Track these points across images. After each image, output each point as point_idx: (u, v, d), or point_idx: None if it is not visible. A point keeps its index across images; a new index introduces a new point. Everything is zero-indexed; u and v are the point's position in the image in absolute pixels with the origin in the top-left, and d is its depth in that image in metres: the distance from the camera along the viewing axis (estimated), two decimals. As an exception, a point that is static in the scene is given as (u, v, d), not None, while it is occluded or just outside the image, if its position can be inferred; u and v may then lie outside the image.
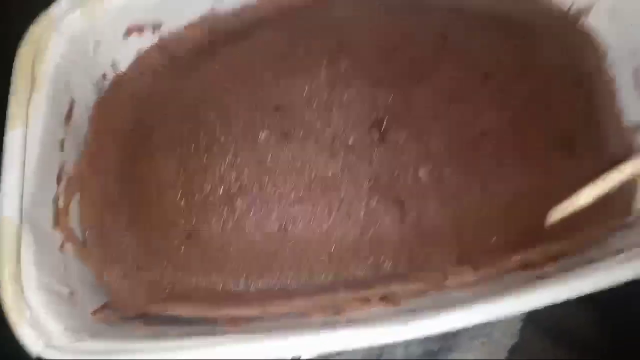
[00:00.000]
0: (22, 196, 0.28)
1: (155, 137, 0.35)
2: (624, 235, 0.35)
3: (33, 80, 0.31)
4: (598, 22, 0.39)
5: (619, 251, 0.32)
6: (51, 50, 0.31)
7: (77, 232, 0.33)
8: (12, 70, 0.30)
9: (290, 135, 0.33)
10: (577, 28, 0.39)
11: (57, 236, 0.31)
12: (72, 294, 0.30)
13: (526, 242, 0.35)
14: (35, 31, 0.31)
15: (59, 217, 0.31)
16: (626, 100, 0.38)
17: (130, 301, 0.33)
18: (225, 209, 0.33)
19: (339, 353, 0.28)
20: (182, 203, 0.33)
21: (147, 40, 0.36)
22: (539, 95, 0.36)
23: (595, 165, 0.36)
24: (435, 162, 0.34)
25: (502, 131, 0.35)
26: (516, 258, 0.34)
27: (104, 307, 0.31)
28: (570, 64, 0.39)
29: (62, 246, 0.31)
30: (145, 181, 0.34)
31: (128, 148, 0.35)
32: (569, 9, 0.39)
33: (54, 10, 0.32)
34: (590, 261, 0.32)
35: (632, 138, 0.37)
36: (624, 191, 0.37)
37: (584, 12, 0.39)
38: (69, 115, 0.33)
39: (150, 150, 0.34)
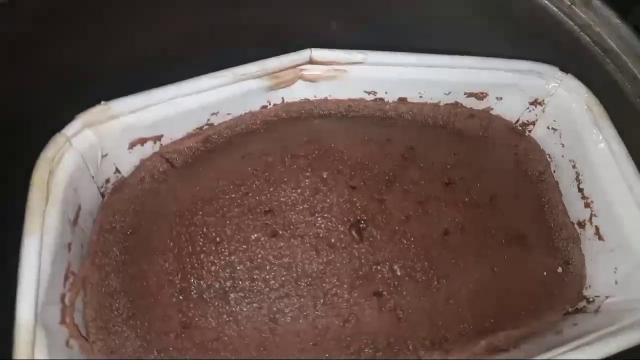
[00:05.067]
0: (36, 300, 0.31)
1: (154, 238, 0.38)
2: (576, 321, 0.40)
3: (47, 193, 0.34)
4: (542, 135, 0.45)
5: (572, 337, 0.36)
6: (64, 165, 0.35)
7: (81, 327, 0.35)
8: (29, 186, 0.33)
9: (278, 235, 0.37)
10: (524, 138, 0.46)
11: (64, 332, 0.33)
12: (78, 388, 0.32)
13: (491, 328, 0.39)
14: (50, 152, 0.35)
15: (65, 314, 0.34)
16: (570, 200, 0.44)
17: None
18: (220, 303, 0.36)
19: None
20: (180, 298, 0.36)
21: (148, 149, 0.41)
22: (493, 197, 0.41)
23: (545, 256, 0.42)
24: (407, 258, 0.38)
25: (462, 230, 0.39)
26: (482, 343, 0.38)
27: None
28: (519, 169, 0.45)
29: (67, 342, 0.33)
30: (145, 278, 0.37)
31: (129, 248, 0.38)
32: (517, 122, 0.46)
33: (68, 130, 0.36)
34: (548, 346, 0.36)
35: (576, 232, 0.43)
36: (575, 280, 0.42)
37: (529, 125, 0.46)
38: (75, 220, 0.36)
39: (150, 250, 0.38)
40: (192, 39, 0.49)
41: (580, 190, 0.42)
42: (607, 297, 0.40)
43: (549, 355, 0.34)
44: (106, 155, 0.38)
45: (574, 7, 0.42)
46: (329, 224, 0.38)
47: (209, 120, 0.41)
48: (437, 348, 0.38)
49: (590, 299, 0.41)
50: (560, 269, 0.42)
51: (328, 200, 0.38)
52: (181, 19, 0.49)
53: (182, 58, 0.44)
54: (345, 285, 0.37)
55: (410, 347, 0.37)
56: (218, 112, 0.41)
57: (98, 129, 0.37)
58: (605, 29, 0.41)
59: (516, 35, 0.44)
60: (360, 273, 0.37)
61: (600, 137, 0.40)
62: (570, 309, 0.41)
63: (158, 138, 0.40)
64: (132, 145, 0.39)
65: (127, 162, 0.40)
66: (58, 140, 0.35)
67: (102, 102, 0.36)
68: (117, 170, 0.40)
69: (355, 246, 0.37)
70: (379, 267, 0.37)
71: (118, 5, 0.46)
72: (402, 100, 0.44)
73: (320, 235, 0.37)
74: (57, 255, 0.33)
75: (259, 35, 0.49)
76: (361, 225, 0.38)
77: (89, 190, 0.38)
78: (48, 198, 0.34)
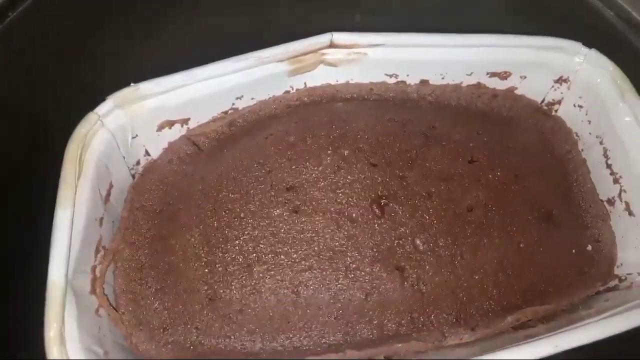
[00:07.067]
0: (67, 264, 0.33)
1: (181, 215, 0.39)
2: (607, 297, 0.38)
3: (80, 167, 0.36)
4: (568, 114, 0.45)
5: (602, 311, 0.35)
6: (96, 142, 0.37)
7: (111, 298, 0.36)
8: (63, 160, 0.35)
9: (300, 211, 0.38)
10: (550, 118, 0.45)
11: (94, 301, 0.35)
12: (106, 353, 0.33)
13: (518, 304, 0.38)
14: (83, 129, 0.36)
15: (96, 285, 0.35)
16: (599, 177, 0.43)
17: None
18: (244, 276, 0.36)
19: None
20: (206, 271, 0.37)
21: (176, 132, 0.42)
22: (519, 175, 0.41)
23: (573, 233, 0.41)
24: (429, 232, 0.38)
25: (486, 206, 0.39)
26: (509, 319, 0.37)
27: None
28: (545, 148, 0.44)
29: (97, 310, 0.35)
30: (173, 253, 0.38)
31: (157, 225, 0.40)
32: (542, 102, 0.45)
33: (100, 109, 0.37)
34: (577, 320, 0.35)
35: (606, 209, 0.42)
36: (606, 258, 0.41)
37: (555, 104, 0.45)
38: (107, 197, 0.38)
39: (177, 226, 0.39)
40: (218, 35, 0.51)
41: (609, 166, 0.41)
42: (639, 274, 0.39)
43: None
44: (136, 136, 0.40)
45: (596, -18, 0.42)
46: (350, 200, 0.38)
47: (233, 104, 0.42)
48: (462, 324, 0.37)
49: (622, 277, 0.40)
50: (590, 247, 0.41)
51: (349, 177, 0.39)
52: (207, 18, 0.51)
53: (209, 53, 0.46)
54: (366, 259, 0.37)
55: (434, 323, 0.37)
56: (242, 97, 0.42)
57: (128, 109, 0.38)
58: (629, 3, 0.41)
59: (539, 12, 0.44)
60: (382, 247, 0.37)
61: (627, 110, 0.39)
62: (601, 288, 0.40)
63: (185, 121, 0.42)
64: (160, 127, 0.41)
65: (156, 144, 0.42)
66: (90, 118, 0.37)
67: (132, 84, 0.38)
68: (147, 153, 0.42)
69: (377, 221, 0.38)
70: (400, 242, 0.37)
71: (151, 6, 0.49)
72: (424, 82, 0.44)
73: (342, 211, 0.38)
74: (88, 226, 0.35)
75: (284, 31, 0.51)
76: (382, 201, 0.38)
77: (120, 169, 0.39)
78: (80, 172, 0.35)
